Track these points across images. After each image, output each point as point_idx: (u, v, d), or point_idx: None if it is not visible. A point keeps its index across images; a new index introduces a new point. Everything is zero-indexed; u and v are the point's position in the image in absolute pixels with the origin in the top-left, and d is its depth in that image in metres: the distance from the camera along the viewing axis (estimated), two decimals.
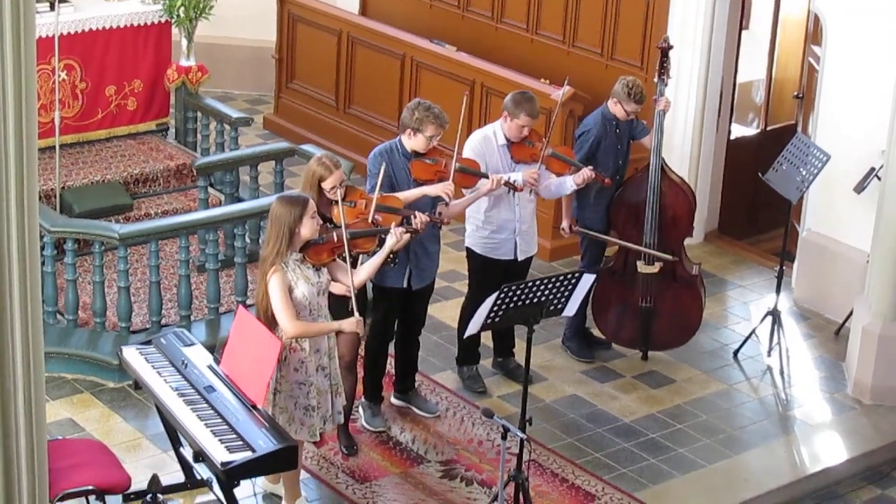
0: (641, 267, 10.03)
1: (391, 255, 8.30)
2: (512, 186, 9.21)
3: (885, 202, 9.81)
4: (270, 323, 7.72)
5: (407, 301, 9.16)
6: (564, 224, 10.02)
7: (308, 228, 7.72)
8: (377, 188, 8.40)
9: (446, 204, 8.99)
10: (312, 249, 7.81)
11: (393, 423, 9.38)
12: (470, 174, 9.09)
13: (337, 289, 8.07)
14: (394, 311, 9.18)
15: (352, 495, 8.63)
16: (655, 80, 10.02)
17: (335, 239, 7.86)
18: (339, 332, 8.57)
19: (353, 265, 8.00)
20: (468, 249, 9.67)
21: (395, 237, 8.12)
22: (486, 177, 9.13)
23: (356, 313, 7.80)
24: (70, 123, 11.40)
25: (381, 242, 8.22)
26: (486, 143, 9.42)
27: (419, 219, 8.49)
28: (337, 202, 8.04)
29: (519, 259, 9.58)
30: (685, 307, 10.16)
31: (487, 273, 9.52)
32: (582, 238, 10.13)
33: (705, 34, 11.68)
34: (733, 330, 10.89)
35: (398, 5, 13.80)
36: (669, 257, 9.91)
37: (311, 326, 7.77)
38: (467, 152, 9.31)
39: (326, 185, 8.16)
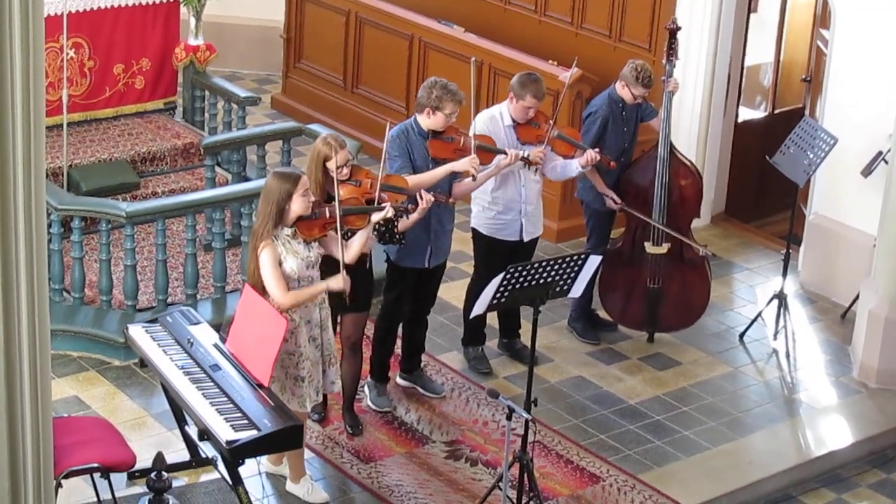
0: (650, 248, 10.02)
1: (398, 236, 8.27)
2: (526, 160, 9.20)
3: (892, 186, 9.80)
4: (262, 294, 7.75)
5: (421, 281, 9.17)
6: (612, 195, 9.92)
7: (299, 204, 7.74)
8: (381, 168, 8.38)
9: (473, 179, 8.98)
10: (304, 224, 7.83)
11: (398, 403, 9.39)
12: (487, 150, 9.08)
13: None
14: (408, 291, 9.19)
15: (356, 475, 8.65)
16: (664, 61, 9.99)
17: (327, 215, 7.88)
18: (343, 314, 8.57)
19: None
20: (474, 230, 9.66)
21: (381, 212, 8.09)
22: (504, 153, 9.12)
23: (342, 271, 7.80)
24: (78, 102, 11.40)
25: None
26: (493, 123, 9.41)
27: (425, 199, 8.47)
28: (341, 181, 8.03)
29: (524, 240, 9.58)
30: (692, 289, 10.15)
31: (493, 253, 9.52)
32: (587, 219, 10.12)
33: (713, 16, 11.64)
34: (739, 313, 10.89)
35: None
36: (696, 244, 9.91)
37: (300, 294, 7.78)
38: (479, 131, 9.29)
39: (331, 164, 8.15)
